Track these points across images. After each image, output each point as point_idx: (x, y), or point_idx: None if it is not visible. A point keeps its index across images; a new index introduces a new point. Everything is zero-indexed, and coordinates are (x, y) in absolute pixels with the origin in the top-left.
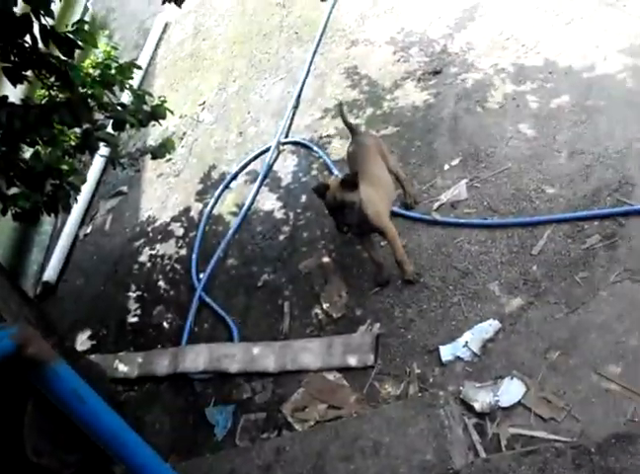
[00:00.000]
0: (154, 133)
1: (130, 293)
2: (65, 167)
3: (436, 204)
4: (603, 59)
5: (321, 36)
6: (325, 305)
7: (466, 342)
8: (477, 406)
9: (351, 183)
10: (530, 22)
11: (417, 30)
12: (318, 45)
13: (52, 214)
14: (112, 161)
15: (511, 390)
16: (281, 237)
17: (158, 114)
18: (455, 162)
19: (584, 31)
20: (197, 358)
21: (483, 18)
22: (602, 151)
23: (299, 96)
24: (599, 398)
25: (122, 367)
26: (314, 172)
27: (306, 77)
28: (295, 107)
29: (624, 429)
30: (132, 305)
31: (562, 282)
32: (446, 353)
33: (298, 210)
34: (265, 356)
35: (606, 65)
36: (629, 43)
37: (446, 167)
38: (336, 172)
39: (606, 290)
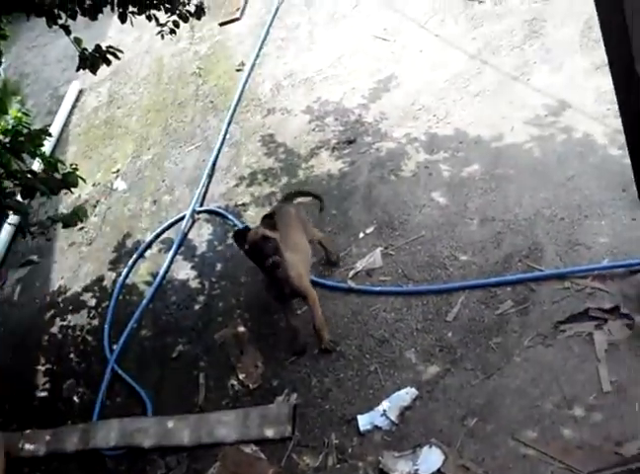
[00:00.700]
0: (66, 201)
1: (39, 367)
2: None
3: (351, 272)
4: (510, 130)
5: (236, 104)
6: (241, 376)
7: (384, 410)
8: None
9: (270, 221)
10: (441, 93)
11: (332, 99)
12: (233, 114)
13: None
14: (21, 229)
15: (430, 459)
16: (197, 307)
17: (70, 181)
18: (370, 230)
19: (491, 102)
20: (108, 434)
21: (397, 89)
22: (512, 218)
23: (214, 164)
24: (516, 464)
25: (29, 446)
26: (229, 240)
27: (221, 145)
28: (210, 175)
29: None
30: (41, 379)
31: (477, 348)
32: (364, 422)
33: (213, 279)
34: (179, 430)
35: (513, 135)
36: (534, 114)
37: (361, 235)
38: None
39: (520, 355)
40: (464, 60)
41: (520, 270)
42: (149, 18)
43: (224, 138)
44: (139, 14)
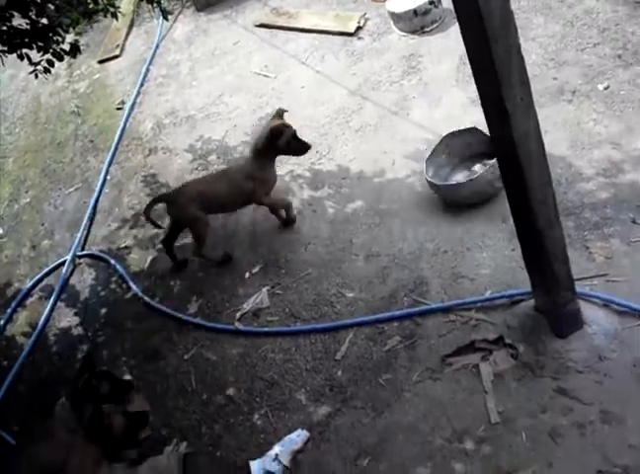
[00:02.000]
0: None
1: None
2: None
3: (238, 314)
4: (392, 164)
5: (117, 144)
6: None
7: (276, 455)
8: None
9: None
10: (323, 129)
11: (215, 137)
12: (114, 154)
13: None
14: None
15: None
16: (80, 355)
17: None
18: (256, 269)
19: (373, 137)
20: None
21: None
22: (397, 253)
23: (95, 206)
24: None
25: None
26: (113, 285)
27: (102, 187)
28: (92, 217)
29: None
30: None
31: (367, 386)
32: (257, 468)
33: (97, 326)
34: None
35: (395, 170)
36: (414, 148)
37: (247, 275)
38: (133, 286)
39: (410, 391)
40: (345, 96)
41: (407, 304)
42: (21, 57)
43: (105, 179)
44: (10, 52)
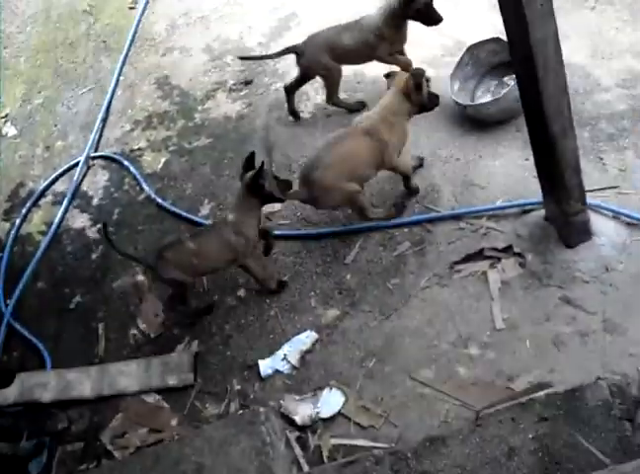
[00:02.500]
0: None
1: None
2: None
3: None
4: None
5: (130, 44)
6: (141, 325)
7: (285, 355)
8: (298, 419)
9: None
10: None
11: (230, 39)
12: (127, 55)
13: None
14: None
15: (330, 401)
16: (94, 256)
17: None
18: None
19: None
20: (6, 390)
21: (297, 27)
22: None
23: (109, 108)
24: (414, 402)
25: None
26: (126, 187)
27: (115, 88)
28: (105, 119)
29: (438, 431)
30: None
31: (375, 290)
32: (266, 367)
33: (111, 227)
34: (80, 383)
35: None
36: (431, 55)
37: None
38: (146, 187)
39: (417, 296)
40: None
41: (418, 211)
42: None
43: (118, 80)
44: None
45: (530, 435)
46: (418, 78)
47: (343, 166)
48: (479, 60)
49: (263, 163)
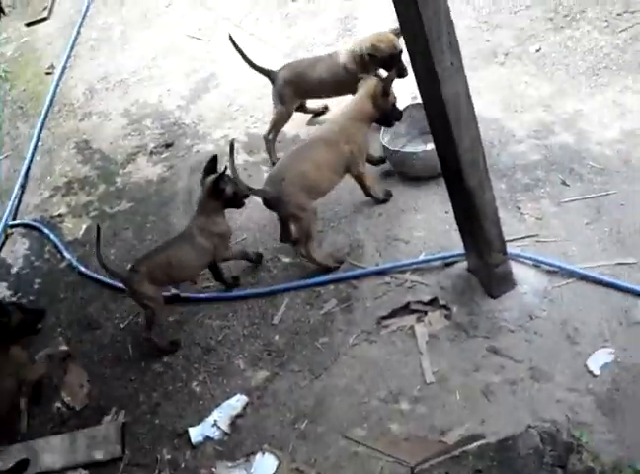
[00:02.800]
0: None
1: None
2: None
3: None
4: None
5: (48, 110)
6: (66, 397)
7: (215, 420)
8: None
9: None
10: (259, 93)
11: (149, 102)
12: (45, 120)
13: None
14: None
15: (263, 465)
16: None
17: None
18: None
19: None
20: None
21: (215, 89)
22: (332, 217)
23: (27, 174)
24: (348, 462)
25: None
26: (47, 255)
27: (33, 154)
28: (23, 186)
29: None
30: None
31: (304, 350)
32: (196, 434)
33: (31, 297)
34: (2, 462)
35: None
36: None
37: None
38: (68, 255)
39: (347, 353)
40: (280, 59)
41: (343, 268)
42: None
43: (36, 146)
44: None
45: None
46: (387, 83)
47: (307, 175)
48: (414, 121)
49: (225, 168)
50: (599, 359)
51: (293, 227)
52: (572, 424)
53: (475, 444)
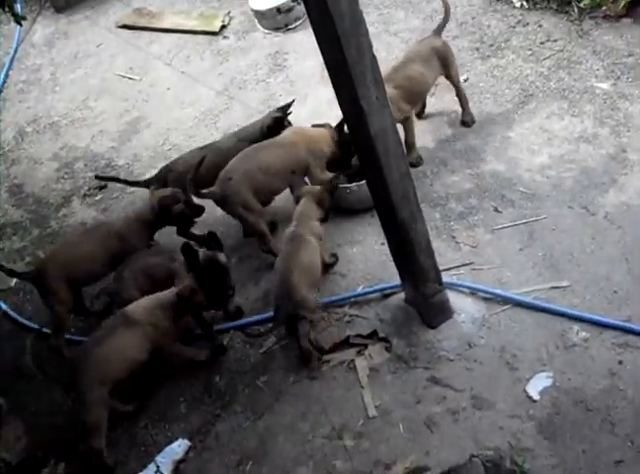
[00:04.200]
0: None
1: None
2: None
3: None
4: None
5: None
6: (2, 451)
7: (157, 467)
8: None
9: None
10: (191, 131)
11: (81, 144)
12: None
13: None
14: None
15: None
16: None
17: None
18: None
19: None
20: None
21: (147, 129)
22: (269, 255)
23: None
24: None
25: None
26: None
27: None
28: None
29: None
30: None
31: (246, 390)
32: None
33: None
34: None
35: None
36: None
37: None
38: (2, 305)
39: (288, 391)
40: (212, 96)
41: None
42: None
43: None
44: None
45: None
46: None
47: (254, 175)
48: None
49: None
50: (537, 384)
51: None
52: (515, 450)
53: None
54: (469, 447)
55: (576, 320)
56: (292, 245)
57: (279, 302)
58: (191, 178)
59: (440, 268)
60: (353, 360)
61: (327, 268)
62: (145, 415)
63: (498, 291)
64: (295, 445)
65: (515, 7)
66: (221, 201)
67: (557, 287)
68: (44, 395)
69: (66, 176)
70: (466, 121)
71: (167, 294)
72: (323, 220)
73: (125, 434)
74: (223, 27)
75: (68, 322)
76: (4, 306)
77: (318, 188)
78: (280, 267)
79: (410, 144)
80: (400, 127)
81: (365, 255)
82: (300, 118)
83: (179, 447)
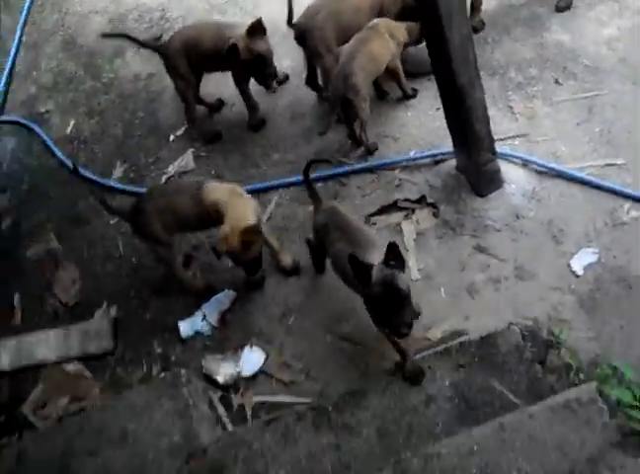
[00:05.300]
0: None
1: None
2: None
3: (163, 177)
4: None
5: (31, 3)
6: (58, 293)
7: (204, 315)
8: (220, 379)
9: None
10: None
11: None
12: (29, 14)
13: None
14: None
15: (251, 359)
16: (4, 225)
17: None
18: (180, 132)
19: None
20: None
21: None
22: (322, 113)
23: (12, 70)
24: (334, 357)
25: None
26: (35, 152)
27: (18, 49)
28: (8, 82)
29: (358, 384)
30: None
31: (292, 247)
32: (186, 329)
33: (20, 194)
34: None
35: None
36: None
37: (172, 138)
38: (57, 152)
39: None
40: None
41: (332, 165)
42: None
43: (20, 41)
44: None
45: (447, 383)
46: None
47: (341, 15)
48: None
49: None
50: (582, 259)
51: (318, 70)
52: (553, 322)
53: (458, 340)
54: (508, 316)
55: (627, 198)
56: (366, 33)
57: (335, 83)
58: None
59: (495, 137)
60: (399, 224)
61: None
62: (193, 266)
63: (551, 165)
64: (339, 303)
65: None
66: (302, 36)
67: (611, 165)
68: (98, 243)
69: (120, 26)
70: None
71: None
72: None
73: (174, 284)
74: None
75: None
76: (59, 153)
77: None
78: (347, 50)
79: (476, 6)
80: None
81: (420, 119)
82: None
83: (225, 298)
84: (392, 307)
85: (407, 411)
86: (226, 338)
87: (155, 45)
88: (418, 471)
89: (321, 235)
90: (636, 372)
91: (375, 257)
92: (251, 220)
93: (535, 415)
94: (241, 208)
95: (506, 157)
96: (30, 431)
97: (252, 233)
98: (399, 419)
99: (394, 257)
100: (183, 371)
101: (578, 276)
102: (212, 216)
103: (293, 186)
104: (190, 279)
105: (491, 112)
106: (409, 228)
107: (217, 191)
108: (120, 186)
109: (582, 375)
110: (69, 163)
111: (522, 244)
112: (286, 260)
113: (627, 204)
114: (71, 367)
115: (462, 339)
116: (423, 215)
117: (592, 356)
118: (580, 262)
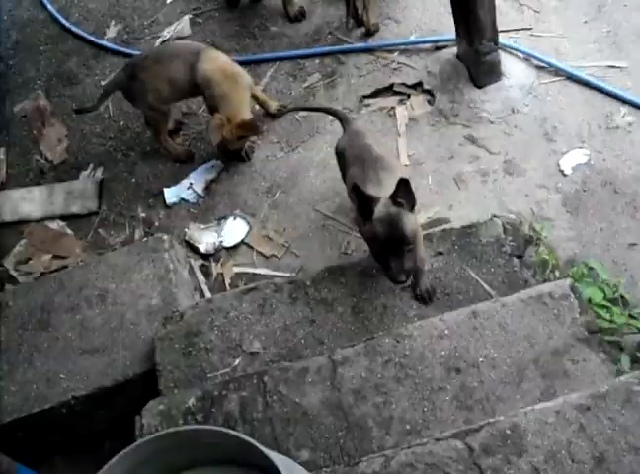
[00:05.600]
0: None
1: None
2: None
3: (158, 41)
4: None
5: None
6: (44, 151)
7: (190, 183)
8: (202, 247)
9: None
10: None
11: None
12: None
13: None
14: None
15: (234, 230)
16: None
17: None
18: None
19: None
20: None
21: None
22: None
23: None
24: (316, 234)
25: None
26: (25, 4)
27: None
28: None
29: (337, 261)
30: None
31: (283, 122)
32: (171, 195)
33: (9, 47)
34: None
35: None
36: None
37: (169, 0)
38: (49, 6)
39: (325, 129)
40: None
41: (330, 42)
42: None
43: None
44: None
45: (426, 268)
46: None
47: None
48: None
49: None
50: (572, 160)
51: None
52: (535, 218)
53: (440, 228)
54: (492, 208)
55: (625, 103)
56: None
57: None
58: None
59: (499, 28)
60: (393, 108)
61: None
62: (182, 133)
63: (553, 61)
64: (325, 182)
65: None
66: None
67: (614, 67)
68: (87, 103)
69: None
70: None
71: None
72: None
73: (163, 150)
74: None
75: None
76: (50, 7)
77: None
78: None
79: None
80: None
81: (424, 3)
82: None
83: (212, 167)
84: (391, 249)
85: (383, 292)
86: (211, 207)
87: None
88: (389, 349)
89: (340, 158)
90: (610, 274)
91: (388, 192)
92: (247, 114)
93: (508, 305)
94: (237, 97)
95: (508, 49)
96: (11, 284)
97: (249, 128)
98: (374, 299)
99: (404, 193)
100: (166, 237)
101: (565, 176)
102: (201, 90)
103: (289, 60)
104: (172, 145)
105: (497, 1)
106: (402, 113)
107: (213, 68)
108: (113, 46)
109: (557, 273)
110: (61, 18)
111: (515, 139)
112: (273, 105)
113: (624, 109)
114: (54, 225)
115: (444, 227)
116: (418, 101)
117: (569, 255)
118: (569, 162)
